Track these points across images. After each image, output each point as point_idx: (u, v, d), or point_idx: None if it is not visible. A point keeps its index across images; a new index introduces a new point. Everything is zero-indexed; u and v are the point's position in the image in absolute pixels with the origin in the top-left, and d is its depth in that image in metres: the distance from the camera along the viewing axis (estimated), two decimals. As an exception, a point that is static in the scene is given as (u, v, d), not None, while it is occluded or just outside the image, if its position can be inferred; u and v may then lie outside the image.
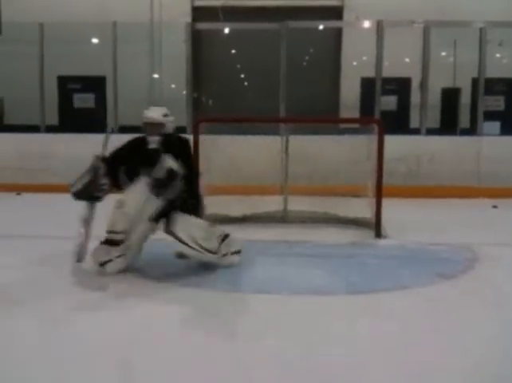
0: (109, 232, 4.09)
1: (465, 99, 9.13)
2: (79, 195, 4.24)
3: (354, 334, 3.08)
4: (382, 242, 5.33)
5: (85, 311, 3.41)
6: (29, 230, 5.69)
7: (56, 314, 3.34)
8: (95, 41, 10.07)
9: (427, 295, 3.76)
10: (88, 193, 4.25)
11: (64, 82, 9.32)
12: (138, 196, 4.04)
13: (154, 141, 4.33)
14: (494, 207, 7.24)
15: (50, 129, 8.89)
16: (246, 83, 10.64)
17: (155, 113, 4.40)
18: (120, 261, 4.12)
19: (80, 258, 4.14)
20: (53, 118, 9.15)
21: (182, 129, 8.22)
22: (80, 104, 9.24)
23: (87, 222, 4.21)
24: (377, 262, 4.58)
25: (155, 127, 4.34)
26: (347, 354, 2.81)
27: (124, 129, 8.61)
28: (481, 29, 8.37)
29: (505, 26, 8.99)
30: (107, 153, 4.50)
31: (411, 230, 5.60)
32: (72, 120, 9.13)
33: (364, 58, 9.42)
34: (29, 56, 8.91)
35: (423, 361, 2.74)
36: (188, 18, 9.75)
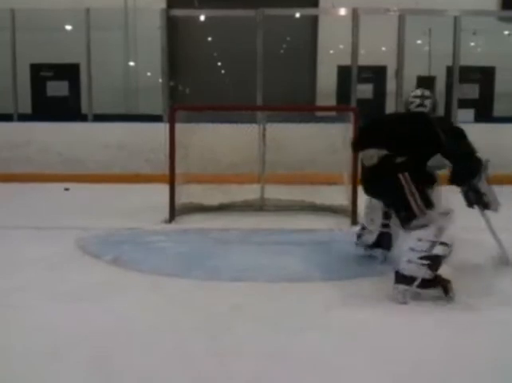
0: None
1: (440, 87, 9.21)
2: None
3: (330, 321, 3.10)
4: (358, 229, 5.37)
5: (59, 302, 3.36)
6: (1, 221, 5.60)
7: (29, 304, 3.31)
8: (68, 27, 9.88)
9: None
10: None
11: (36, 70, 9.15)
12: None
13: None
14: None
15: (23, 118, 8.74)
16: (222, 71, 10.58)
17: None
18: None
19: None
20: (25, 106, 9.00)
21: (158, 117, 8.19)
22: (53, 92, 9.08)
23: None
24: (353, 249, 4.61)
25: None
26: (322, 341, 2.83)
27: (98, 117, 8.54)
28: (455, 18, 8.45)
29: (479, 15, 9.09)
30: None
31: (387, 218, 5.64)
32: (46, 109, 8.99)
33: (341, 46, 9.43)
34: (1, 43, 8.73)
35: (398, 347, 2.78)
36: (163, 4, 9.62)
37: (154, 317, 3.15)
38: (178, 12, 8.98)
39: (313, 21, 10.08)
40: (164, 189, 5.60)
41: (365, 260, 4.30)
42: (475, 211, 4.13)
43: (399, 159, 3.64)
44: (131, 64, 10.11)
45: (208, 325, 3.02)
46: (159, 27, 8.51)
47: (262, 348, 2.74)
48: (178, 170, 5.66)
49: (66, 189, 7.48)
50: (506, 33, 10.11)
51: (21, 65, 8.91)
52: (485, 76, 9.18)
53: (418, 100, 4.02)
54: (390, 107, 8.89)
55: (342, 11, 8.71)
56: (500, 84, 9.21)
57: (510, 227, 4.38)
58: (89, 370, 2.51)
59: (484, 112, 8.98)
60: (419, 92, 4.09)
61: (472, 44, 9.98)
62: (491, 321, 3.13)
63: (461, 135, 3.85)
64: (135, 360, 2.61)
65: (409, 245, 3.49)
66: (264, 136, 6.15)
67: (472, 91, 9.03)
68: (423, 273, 3.37)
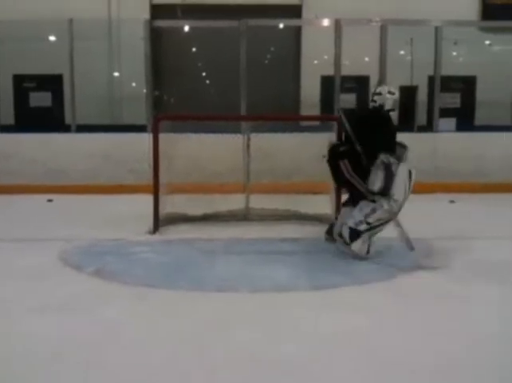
0: None
1: (422, 96, 9.31)
2: (385, 193, 4.45)
3: (317, 330, 3.10)
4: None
5: (46, 312, 3.33)
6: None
7: (16, 315, 3.28)
8: (51, 38, 9.84)
9: (388, 289, 3.83)
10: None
11: (19, 81, 9.09)
12: None
13: None
14: (452, 201, 7.40)
15: (6, 129, 8.67)
16: (206, 81, 10.60)
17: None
18: None
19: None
20: (8, 118, 8.94)
21: (142, 127, 8.17)
22: (36, 103, 9.02)
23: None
24: (338, 258, 4.63)
25: None
26: (310, 350, 2.83)
27: (82, 128, 8.49)
28: (437, 28, 8.55)
29: (460, 25, 9.23)
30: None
31: (371, 226, 5.67)
32: (29, 120, 8.92)
33: (324, 57, 9.49)
34: (-17, 54, 8.69)
35: (386, 355, 2.78)
36: (147, 15, 9.64)
37: (139, 328, 3.13)
38: (161, 23, 9.00)
39: (297, 31, 10.16)
40: (148, 199, 5.58)
41: (350, 269, 4.32)
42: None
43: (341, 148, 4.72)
44: (115, 74, 10.09)
45: (194, 336, 3.00)
46: (142, 38, 8.50)
47: (249, 357, 2.73)
48: (162, 180, 5.65)
49: (49, 200, 7.43)
50: (487, 42, 10.26)
51: (4, 76, 8.86)
52: (466, 85, 9.29)
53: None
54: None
55: (325, 22, 8.78)
56: (481, 93, 9.33)
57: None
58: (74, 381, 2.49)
59: (465, 121, 9.08)
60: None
61: (454, 53, 10.12)
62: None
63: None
64: (122, 372, 2.59)
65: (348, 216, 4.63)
66: (248, 145, 6.15)
67: (454, 100, 9.13)
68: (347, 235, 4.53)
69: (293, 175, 7.03)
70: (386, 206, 4.43)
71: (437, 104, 8.72)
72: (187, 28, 9.44)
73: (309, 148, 6.29)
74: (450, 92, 9.07)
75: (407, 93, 9.45)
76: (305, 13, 10.04)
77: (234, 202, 6.11)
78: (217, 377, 2.55)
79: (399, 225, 4.53)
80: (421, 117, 9.26)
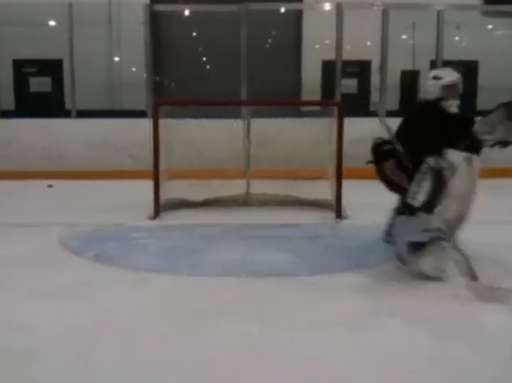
0: None
1: (424, 81, 9.24)
2: (429, 209, 3.51)
3: (316, 315, 3.11)
4: (343, 223, 5.40)
5: (47, 297, 3.34)
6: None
7: (16, 301, 3.29)
8: (51, 23, 9.78)
9: (388, 275, 3.81)
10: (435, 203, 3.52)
11: (19, 66, 9.07)
12: None
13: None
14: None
15: (6, 114, 8.65)
16: (207, 65, 10.54)
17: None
18: None
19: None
20: (8, 103, 8.91)
21: (142, 113, 8.14)
22: (36, 88, 9.00)
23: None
24: (338, 243, 4.64)
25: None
26: (310, 335, 2.83)
27: (82, 113, 8.47)
28: (438, 12, 8.47)
29: (462, 9, 9.14)
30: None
31: (371, 211, 5.60)
32: (29, 105, 8.90)
33: (326, 41, 9.42)
34: (-18, 39, 8.64)
35: (383, 340, 2.79)
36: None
37: (139, 313, 3.14)
38: (161, 7, 8.92)
39: (298, 16, 10.07)
40: (149, 185, 5.57)
41: (350, 253, 4.32)
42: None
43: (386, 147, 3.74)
44: (115, 59, 10.03)
45: (194, 321, 3.01)
46: (142, 22, 8.43)
47: (249, 343, 2.73)
48: (162, 166, 5.64)
49: (50, 186, 7.42)
50: (490, 27, 10.18)
51: (4, 61, 8.82)
52: (468, 70, 9.21)
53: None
54: (374, 101, 8.91)
55: (326, 6, 8.70)
56: (483, 78, 9.28)
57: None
58: (72, 368, 2.49)
59: (467, 105, 9.01)
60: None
61: (456, 38, 10.03)
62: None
63: None
64: (120, 357, 2.60)
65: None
66: (249, 131, 6.14)
67: (456, 85, 9.07)
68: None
69: (293, 160, 7.01)
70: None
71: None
72: (187, 12, 9.37)
73: (310, 134, 6.28)
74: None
75: (409, 78, 9.42)
76: (306, -4, 9.96)
77: (235, 187, 6.10)
78: (215, 361, 2.55)
79: (456, 248, 3.49)
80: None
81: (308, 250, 4.41)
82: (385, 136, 3.86)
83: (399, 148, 3.67)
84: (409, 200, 3.49)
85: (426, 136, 3.64)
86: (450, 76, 3.95)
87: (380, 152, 3.78)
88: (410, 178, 3.59)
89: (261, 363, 2.55)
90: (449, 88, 3.90)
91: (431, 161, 3.50)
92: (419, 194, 3.46)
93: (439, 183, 3.45)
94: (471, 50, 9.72)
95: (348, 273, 3.87)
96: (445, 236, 3.45)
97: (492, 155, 3.99)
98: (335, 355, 2.63)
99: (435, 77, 3.92)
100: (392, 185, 3.77)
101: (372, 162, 3.86)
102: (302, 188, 5.94)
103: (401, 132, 3.81)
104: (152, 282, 3.68)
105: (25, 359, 2.57)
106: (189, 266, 4.00)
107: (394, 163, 3.69)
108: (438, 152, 3.58)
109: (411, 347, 2.70)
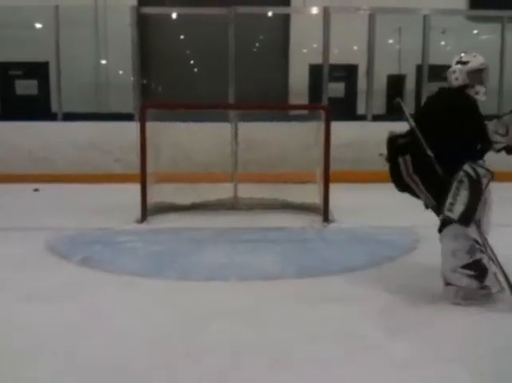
0: None
1: (410, 85, 9.32)
2: (467, 221, 3.19)
3: (303, 318, 3.12)
4: (330, 226, 5.42)
5: (33, 301, 3.33)
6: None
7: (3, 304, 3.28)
8: (37, 25, 9.71)
9: (375, 278, 3.84)
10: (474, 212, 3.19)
11: (5, 68, 8.98)
12: None
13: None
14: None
15: (-9, 117, 8.58)
16: (194, 68, 10.53)
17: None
18: None
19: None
20: (-6, 106, 8.85)
21: (129, 116, 8.11)
22: (22, 90, 8.93)
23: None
24: (325, 247, 4.65)
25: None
26: (296, 338, 2.84)
27: (68, 116, 8.41)
28: (425, 17, 8.54)
29: (448, 14, 9.23)
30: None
31: (359, 215, 5.70)
32: (15, 108, 8.83)
33: (313, 45, 9.46)
34: (-32, 41, 8.56)
35: (370, 342, 2.81)
36: (134, 2, 9.53)
37: (125, 317, 3.12)
38: (149, 10, 8.91)
39: (285, 19, 10.11)
40: (136, 188, 5.55)
41: (337, 257, 4.34)
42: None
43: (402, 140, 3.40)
44: (102, 61, 9.99)
45: (182, 325, 3.01)
46: (129, 24, 8.41)
47: (237, 346, 2.74)
48: (149, 169, 5.62)
49: (36, 190, 7.36)
50: (475, 32, 10.27)
51: (-11, 64, 8.74)
52: (454, 74, 9.31)
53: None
54: (361, 105, 8.96)
55: (314, 10, 8.73)
56: (469, 83, 9.34)
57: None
58: (60, 371, 2.48)
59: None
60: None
61: (441, 43, 10.11)
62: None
63: None
64: (107, 360, 2.59)
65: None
66: (236, 134, 6.14)
67: (441, 89, 9.14)
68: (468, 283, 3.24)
69: (280, 163, 7.03)
70: None
71: (425, 93, 8.72)
72: (174, 15, 9.35)
73: (297, 137, 6.29)
74: (437, 81, 9.03)
75: (396, 82, 9.49)
76: (293, 0, 9.99)
77: (223, 191, 6.11)
78: (203, 365, 2.55)
79: (493, 260, 3.27)
80: (409, 106, 9.24)
81: (295, 254, 4.42)
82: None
83: (417, 134, 3.32)
84: (446, 213, 3.18)
85: (453, 130, 3.31)
86: (476, 60, 3.57)
87: (396, 146, 3.47)
88: (424, 179, 3.36)
89: (249, 366, 2.55)
90: (476, 74, 3.52)
91: (468, 169, 3.17)
92: (456, 205, 3.16)
93: (477, 192, 3.17)
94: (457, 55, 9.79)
95: (335, 276, 3.88)
96: (483, 249, 3.25)
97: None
98: (323, 357, 2.64)
99: (460, 62, 3.55)
100: (403, 186, 3.52)
101: (386, 158, 3.58)
102: (290, 192, 5.96)
103: (422, 119, 3.47)
104: (140, 286, 3.67)
105: (10, 361, 2.54)
106: (177, 269, 3.99)
107: (409, 160, 3.37)
108: (468, 149, 3.30)
109: (397, 349, 2.71)
